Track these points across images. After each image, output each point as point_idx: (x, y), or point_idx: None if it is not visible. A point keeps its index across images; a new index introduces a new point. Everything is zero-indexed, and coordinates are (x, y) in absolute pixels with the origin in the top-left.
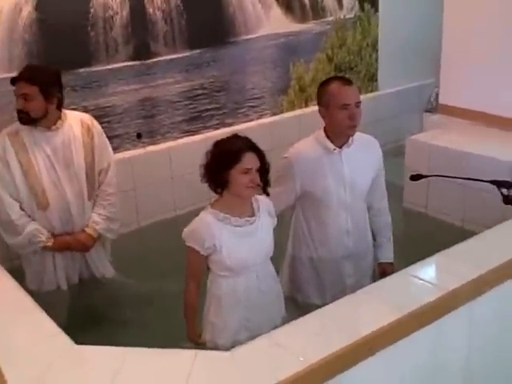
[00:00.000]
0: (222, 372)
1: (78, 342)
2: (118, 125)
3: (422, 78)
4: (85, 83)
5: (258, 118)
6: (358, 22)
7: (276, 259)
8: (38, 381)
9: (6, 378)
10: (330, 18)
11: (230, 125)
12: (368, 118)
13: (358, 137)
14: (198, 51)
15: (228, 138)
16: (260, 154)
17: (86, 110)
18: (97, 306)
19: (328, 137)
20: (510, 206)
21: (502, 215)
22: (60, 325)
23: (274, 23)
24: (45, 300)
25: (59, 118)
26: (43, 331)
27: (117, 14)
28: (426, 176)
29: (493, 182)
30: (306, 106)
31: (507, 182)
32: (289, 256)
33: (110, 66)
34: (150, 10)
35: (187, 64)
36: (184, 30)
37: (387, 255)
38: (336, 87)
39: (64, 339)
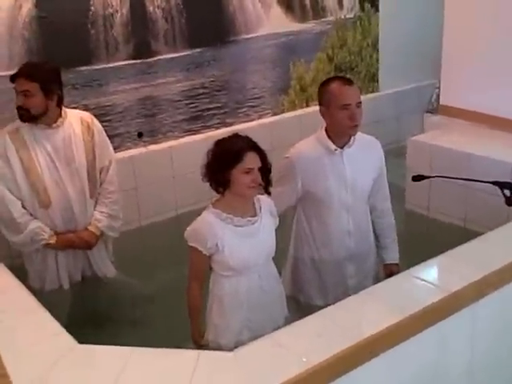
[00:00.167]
0: (225, 372)
1: (80, 341)
2: (118, 124)
3: (423, 78)
4: (85, 81)
5: (258, 118)
6: (359, 22)
7: (278, 259)
8: (41, 380)
9: (11, 378)
10: (331, 18)
11: (231, 124)
12: (368, 119)
13: (360, 137)
14: (199, 50)
15: (229, 137)
16: (261, 154)
17: (86, 108)
18: (99, 306)
19: (329, 137)
20: None
21: (504, 216)
22: (62, 324)
23: (275, 22)
24: (47, 299)
25: (59, 115)
26: (46, 330)
27: (117, 11)
28: (428, 177)
29: (495, 183)
30: (307, 105)
31: (509, 183)
32: (291, 257)
33: (110, 65)
34: (151, 9)
35: (188, 63)
36: (184, 28)
37: (393, 256)
38: (337, 87)
39: (67, 338)
